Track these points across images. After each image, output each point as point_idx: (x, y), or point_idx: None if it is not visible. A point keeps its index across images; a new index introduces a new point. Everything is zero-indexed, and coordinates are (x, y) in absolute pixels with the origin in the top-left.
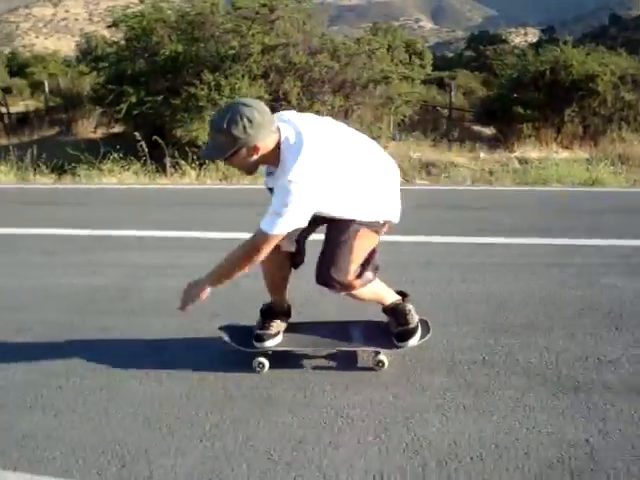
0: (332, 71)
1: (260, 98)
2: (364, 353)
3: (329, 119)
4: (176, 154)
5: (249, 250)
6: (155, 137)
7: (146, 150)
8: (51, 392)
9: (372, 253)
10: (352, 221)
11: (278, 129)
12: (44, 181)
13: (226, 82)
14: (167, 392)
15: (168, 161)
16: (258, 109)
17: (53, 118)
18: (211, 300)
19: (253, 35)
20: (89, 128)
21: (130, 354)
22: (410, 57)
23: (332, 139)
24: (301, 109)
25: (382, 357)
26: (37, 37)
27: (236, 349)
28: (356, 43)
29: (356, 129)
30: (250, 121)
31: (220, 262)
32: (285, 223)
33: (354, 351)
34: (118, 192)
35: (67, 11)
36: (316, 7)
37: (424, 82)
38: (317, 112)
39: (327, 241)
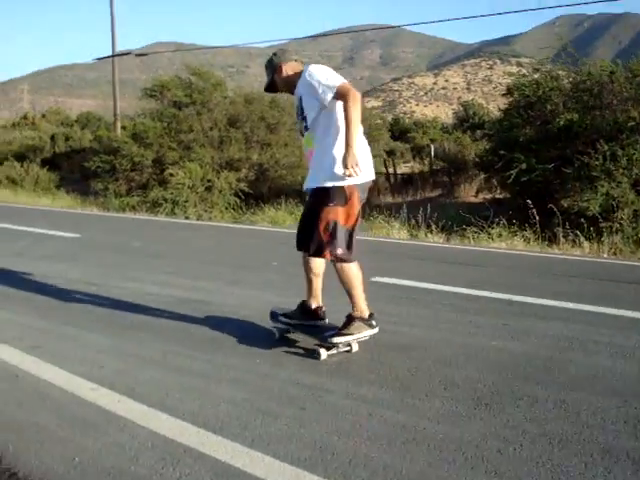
0: None
1: None
2: None
3: None
4: (566, 224)
5: (351, 98)
6: (550, 205)
7: (537, 218)
8: (491, 455)
9: (348, 232)
10: (322, 202)
11: (301, 64)
12: (434, 240)
13: (623, 153)
14: None
15: (560, 230)
16: (286, 50)
17: (436, 180)
18: None
19: None
20: (470, 192)
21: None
22: None
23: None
24: None
25: (320, 349)
26: (417, 104)
27: None
28: None
29: None
30: (275, 53)
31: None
32: (335, 75)
33: None
34: (510, 257)
35: (447, 80)
36: None
37: None
38: None
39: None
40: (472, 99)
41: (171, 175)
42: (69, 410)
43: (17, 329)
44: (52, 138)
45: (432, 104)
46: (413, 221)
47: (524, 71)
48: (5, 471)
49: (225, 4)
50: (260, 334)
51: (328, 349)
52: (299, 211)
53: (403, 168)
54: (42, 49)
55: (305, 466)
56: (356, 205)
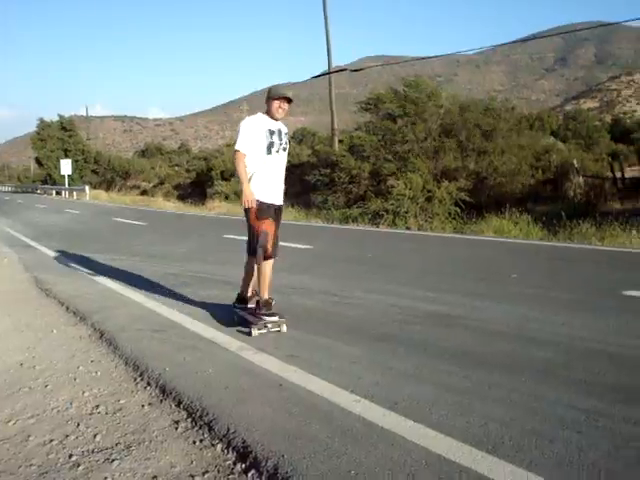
0: None
1: None
2: None
3: None
4: None
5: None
6: None
7: None
8: None
9: None
10: None
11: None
12: None
13: None
14: None
15: None
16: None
17: None
18: None
19: None
20: None
21: None
22: None
23: None
24: None
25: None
26: (638, 103)
27: None
28: None
29: None
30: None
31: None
32: None
33: None
34: None
35: None
36: None
37: None
38: None
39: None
40: None
41: (392, 187)
42: (337, 421)
43: (271, 338)
44: None
45: None
46: None
47: None
48: None
49: (431, 15)
50: (516, 350)
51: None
52: (524, 220)
53: (629, 171)
54: (259, 70)
55: None
56: None
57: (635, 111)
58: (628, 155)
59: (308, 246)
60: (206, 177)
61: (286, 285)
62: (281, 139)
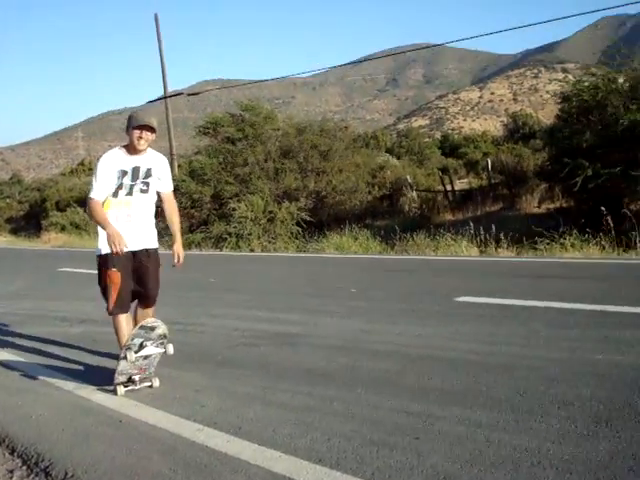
0: None
1: None
2: None
3: None
4: (636, 228)
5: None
6: (624, 210)
7: (612, 224)
8: (624, 474)
9: None
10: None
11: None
12: (505, 254)
13: None
14: None
15: (636, 235)
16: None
17: (496, 194)
18: None
19: None
20: (533, 203)
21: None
22: None
23: None
24: None
25: None
26: (465, 120)
27: None
28: None
29: None
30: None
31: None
32: None
33: None
34: (589, 266)
35: (492, 93)
36: None
37: None
38: None
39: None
40: (520, 109)
41: (233, 209)
42: (180, 453)
43: (109, 373)
44: None
45: (480, 118)
46: (479, 237)
47: (570, 77)
48: None
49: (267, 39)
50: (355, 363)
51: None
52: (363, 236)
53: (459, 184)
54: (93, 96)
55: None
56: None
57: (462, 127)
58: (457, 169)
59: None
60: (40, 208)
61: None
62: (135, 179)
